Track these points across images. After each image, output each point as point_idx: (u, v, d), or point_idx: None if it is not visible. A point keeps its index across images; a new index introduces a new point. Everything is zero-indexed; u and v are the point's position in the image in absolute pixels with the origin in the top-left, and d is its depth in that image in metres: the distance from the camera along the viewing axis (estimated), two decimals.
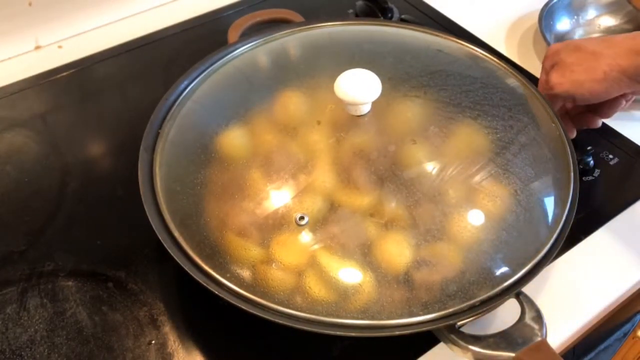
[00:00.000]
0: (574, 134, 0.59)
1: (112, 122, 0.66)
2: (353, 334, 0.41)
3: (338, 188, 0.45)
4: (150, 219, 0.44)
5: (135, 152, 0.49)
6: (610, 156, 0.60)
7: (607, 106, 0.56)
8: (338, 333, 0.40)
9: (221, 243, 0.44)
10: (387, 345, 0.47)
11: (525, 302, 0.43)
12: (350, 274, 0.42)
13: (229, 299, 0.41)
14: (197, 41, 0.75)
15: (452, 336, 0.41)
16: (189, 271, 0.42)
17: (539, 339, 0.41)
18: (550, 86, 0.54)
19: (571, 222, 0.45)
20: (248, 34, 0.63)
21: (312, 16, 0.64)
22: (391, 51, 0.56)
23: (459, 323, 0.41)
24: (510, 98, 0.52)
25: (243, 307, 0.40)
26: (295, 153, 0.47)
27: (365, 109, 0.47)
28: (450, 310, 0.41)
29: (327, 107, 0.49)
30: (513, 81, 0.55)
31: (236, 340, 0.48)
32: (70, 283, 0.51)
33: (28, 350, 0.47)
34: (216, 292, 0.41)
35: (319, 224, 0.43)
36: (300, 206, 0.44)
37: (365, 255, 0.42)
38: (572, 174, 0.48)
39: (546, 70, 0.57)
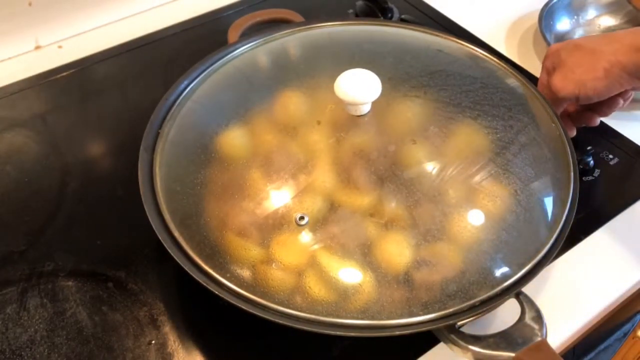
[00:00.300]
0: (573, 133, 0.59)
1: (112, 122, 0.66)
2: (353, 334, 0.41)
3: (338, 188, 0.45)
4: (150, 219, 0.44)
5: (135, 152, 0.49)
6: (610, 156, 0.60)
7: (605, 105, 0.56)
8: (338, 333, 0.40)
9: (221, 243, 0.44)
10: (387, 345, 0.47)
11: (525, 302, 0.43)
12: (350, 274, 0.42)
13: (229, 299, 0.41)
14: (197, 41, 0.75)
15: (452, 336, 0.41)
16: (189, 271, 0.42)
17: (539, 339, 0.41)
18: (554, 91, 0.54)
19: (571, 222, 0.45)
20: (248, 34, 0.63)
21: (312, 16, 0.64)
22: (391, 51, 0.56)
23: (459, 323, 0.41)
24: (510, 98, 0.52)
25: (243, 307, 0.40)
26: (295, 153, 0.47)
27: (365, 109, 0.47)
28: (450, 310, 0.41)
29: (327, 107, 0.49)
30: (513, 81, 0.55)
31: (236, 340, 0.48)
32: (70, 283, 0.51)
33: (28, 350, 0.47)
34: (216, 292, 0.41)
35: (319, 224, 0.43)
36: (300, 206, 0.44)
37: (365, 255, 0.42)
38: (572, 174, 0.48)
39: (547, 70, 0.57)
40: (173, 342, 0.47)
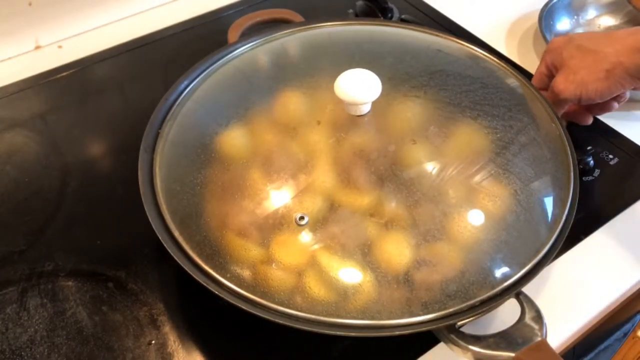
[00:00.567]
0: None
1: (112, 122, 0.66)
2: (353, 334, 0.41)
3: (338, 188, 0.45)
4: (150, 219, 0.44)
5: (135, 152, 0.49)
6: (610, 156, 0.60)
7: (598, 106, 0.57)
8: (338, 333, 0.40)
9: (221, 243, 0.44)
10: (387, 345, 0.47)
11: (525, 302, 0.43)
12: (350, 274, 0.42)
13: (229, 299, 0.41)
14: (197, 41, 0.75)
15: (452, 336, 0.41)
16: (189, 271, 0.42)
17: (539, 339, 0.41)
18: (556, 92, 0.55)
19: (571, 222, 0.45)
20: (248, 34, 0.63)
21: (312, 16, 0.64)
22: (391, 51, 0.56)
23: (459, 323, 0.41)
24: (510, 98, 0.52)
25: (243, 307, 0.40)
26: (295, 153, 0.47)
27: (365, 109, 0.47)
28: (450, 310, 0.41)
29: (327, 107, 0.49)
30: (513, 81, 0.55)
31: (236, 340, 0.48)
32: (70, 283, 0.51)
33: (28, 350, 0.47)
34: (216, 292, 0.41)
35: (319, 224, 0.43)
36: (300, 206, 0.44)
37: (365, 255, 0.42)
38: (572, 174, 0.48)
39: (545, 64, 0.57)
40: (173, 342, 0.47)
